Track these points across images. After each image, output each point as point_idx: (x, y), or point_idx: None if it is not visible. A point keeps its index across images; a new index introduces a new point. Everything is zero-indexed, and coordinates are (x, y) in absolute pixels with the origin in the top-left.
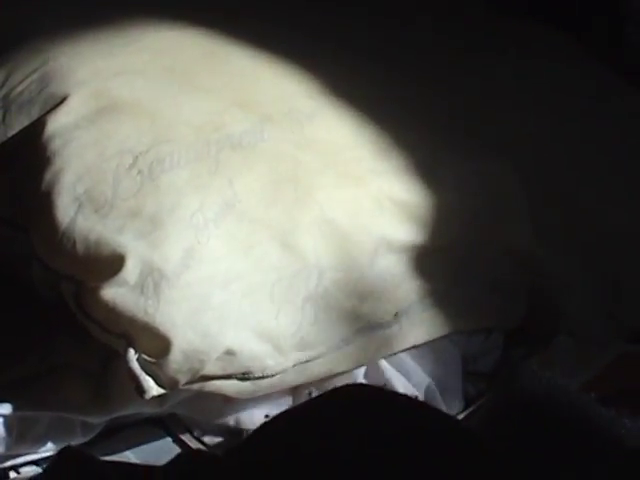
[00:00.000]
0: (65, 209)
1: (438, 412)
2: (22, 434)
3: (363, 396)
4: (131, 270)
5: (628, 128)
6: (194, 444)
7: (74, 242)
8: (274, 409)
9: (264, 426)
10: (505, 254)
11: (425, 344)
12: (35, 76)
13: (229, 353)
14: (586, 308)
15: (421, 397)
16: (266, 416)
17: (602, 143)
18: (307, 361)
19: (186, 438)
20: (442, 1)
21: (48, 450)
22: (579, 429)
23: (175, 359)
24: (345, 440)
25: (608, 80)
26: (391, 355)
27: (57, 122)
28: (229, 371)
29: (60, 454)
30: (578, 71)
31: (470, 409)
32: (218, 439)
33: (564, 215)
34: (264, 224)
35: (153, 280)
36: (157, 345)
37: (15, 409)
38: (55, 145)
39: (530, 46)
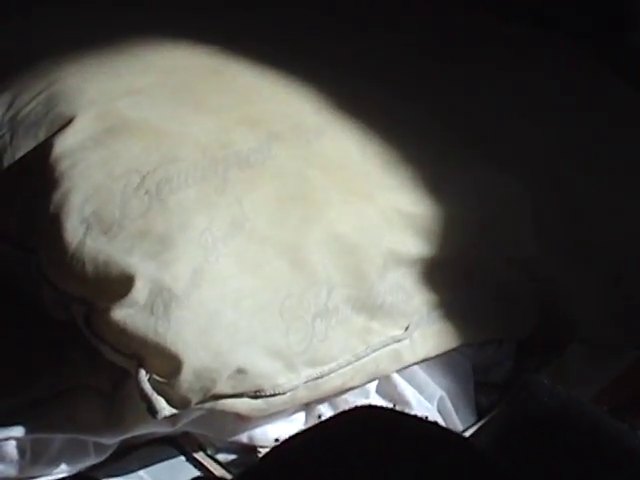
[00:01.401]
0: (74, 230)
1: (449, 434)
2: (35, 456)
3: (371, 420)
4: (141, 290)
5: (630, 130)
6: (207, 462)
7: (83, 263)
8: (286, 426)
9: (273, 451)
10: (512, 263)
11: (436, 356)
12: (42, 97)
13: (240, 372)
14: (597, 315)
15: (434, 409)
16: (276, 440)
17: (606, 148)
18: (318, 377)
19: (199, 456)
20: (442, 15)
21: (62, 472)
22: (592, 442)
23: (186, 379)
24: (355, 464)
25: (609, 82)
26: (403, 369)
27: (64, 143)
28: (240, 390)
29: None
30: (578, 75)
31: (482, 421)
32: (232, 456)
33: (570, 223)
34: (273, 242)
35: (163, 300)
36: (168, 365)
37: (28, 431)
38: (63, 166)
39: (529, 52)
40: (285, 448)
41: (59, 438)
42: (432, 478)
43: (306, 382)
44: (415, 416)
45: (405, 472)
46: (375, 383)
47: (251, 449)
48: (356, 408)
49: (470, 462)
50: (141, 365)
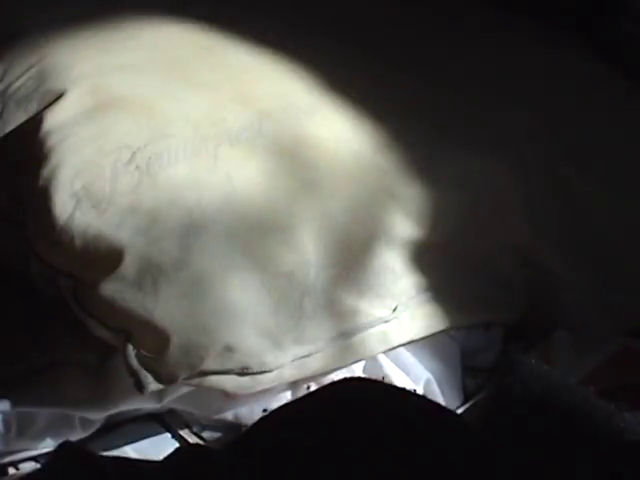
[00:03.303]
0: (63, 205)
1: (437, 405)
2: (21, 430)
3: (361, 390)
4: (129, 266)
5: (627, 123)
6: (193, 439)
7: (72, 238)
8: (273, 404)
9: (262, 421)
10: (503, 249)
11: (424, 339)
12: (32, 72)
13: (228, 348)
14: (585, 302)
15: (420, 391)
16: (264, 410)
17: (600, 138)
18: (306, 356)
19: (185, 433)
20: (439, 3)
21: (47, 446)
22: (578, 423)
23: (174, 354)
24: (342, 435)
25: (606, 76)
26: (390, 350)
27: (55, 118)
28: (228, 366)
29: (58, 450)
30: (576, 67)
31: (469, 404)
32: (217, 434)
33: (562, 209)
34: (262, 220)
35: (151, 276)
36: (156, 340)
37: (13, 405)
38: (53, 141)
39: (527, 42)
40: (272, 418)
41: (45, 413)
42: (424, 447)
43: (293, 360)
44: (404, 388)
45: (395, 442)
46: (362, 364)
47: (237, 427)
48: (345, 379)
49: (461, 431)
50: (129, 340)
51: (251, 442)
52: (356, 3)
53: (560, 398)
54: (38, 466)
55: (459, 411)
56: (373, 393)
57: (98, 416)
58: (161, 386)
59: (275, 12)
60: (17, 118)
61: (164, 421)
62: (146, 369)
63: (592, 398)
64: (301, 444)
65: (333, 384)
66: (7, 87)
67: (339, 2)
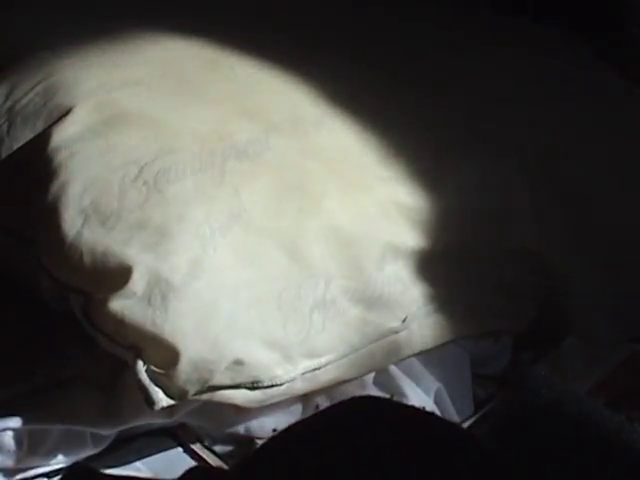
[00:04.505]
0: (72, 221)
1: (446, 424)
2: (33, 447)
3: (369, 409)
4: (138, 282)
5: (632, 125)
6: (205, 453)
7: (81, 254)
8: (284, 417)
9: (271, 441)
10: (510, 256)
11: (434, 348)
12: (39, 88)
13: (238, 363)
14: (594, 309)
15: (431, 401)
16: (274, 430)
17: (607, 140)
18: (316, 369)
19: (197, 448)
20: (440, 5)
21: (59, 462)
22: (589, 435)
23: (184, 369)
24: (352, 455)
25: (609, 78)
26: (400, 360)
27: (62, 134)
28: (238, 380)
29: (70, 471)
30: (578, 70)
31: (479, 413)
32: (229, 448)
33: (570, 215)
34: (271, 233)
35: (160, 291)
36: (166, 356)
37: (25, 422)
38: (61, 157)
39: (528, 45)
40: (282, 437)
41: (56, 429)
42: (432, 467)
43: (303, 373)
44: (413, 406)
45: (404, 461)
46: (372, 375)
47: (248, 440)
48: (353, 398)
49: (470, 452)
50: (139, 356)
51: (262, 463)
52: (361, 16)
53: (570, 409)
54: None
55: (470, 421)
56: (381, 412)
57: (109, 432)
58: (172, 402)
59: (281, 26)
60: (25, 135)
61: (176, 435)
62: (156, 385)
63: (602, 409)
64: (312, 463)
65: (341, 404)
66: (14, 104)
67: (344, 16)
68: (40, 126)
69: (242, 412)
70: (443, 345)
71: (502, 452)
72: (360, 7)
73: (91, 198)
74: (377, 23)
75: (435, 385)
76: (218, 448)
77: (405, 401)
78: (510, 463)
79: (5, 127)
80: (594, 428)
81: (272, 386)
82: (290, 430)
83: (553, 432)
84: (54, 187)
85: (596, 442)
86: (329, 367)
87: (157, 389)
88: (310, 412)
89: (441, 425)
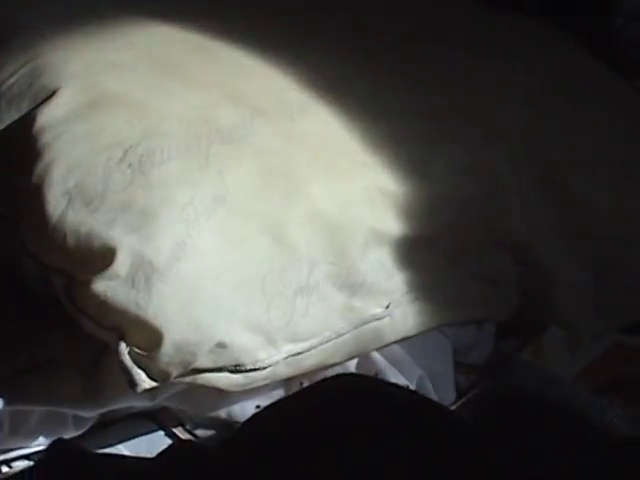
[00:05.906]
0: (55, 202)
1: (430, 401)
2: (14, 428)
3: (354, 385)
4: (122, 263)
5: (622, 116)
6: (186, 437)
7: (65, 235)
8: (266, 401)
9: (254, 417)
10: (495, 245)
11: (417, 335)
12: (25, 70)
13: (221, 346)
14: (578, 300)
15: (413, 388)
16: (257, 407)
17: (596, 130)
18: (299, 353)
19: (178, 431)
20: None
21: (40, 444)
22: (570, 419)
23: (167, 352)
24: (335, 430)
25: (604, 75)
26: (383, 347)
27: (47, 115)
28: (220, 364)
29: (51, 447)
30: (570, 60)
31: (462, 400)
32: (210, 432)
33: (556, 205)
34: (255, 217)
35: (144, 273)
36: (148, 338)
37: (6, 403)
38: (45, 138)
39: (519, 35)
40: (266, 414)
41: (38, 411)
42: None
43: (286, 358)
44: (396, 384)
45: (388, 435)
46: (355, 361)
47: (230, 424)
48: (338, 375)
49: (455, 427)
50: (121, 338)
51: (245, 438)
52: (348, 3)
53: (553, 395)
54: (31, 464)
55: (452, 408)
56: (366, 389)
57: (91, 414)
58: (154, 384)
59: (267, 12)
60: (9, 116)
61: (157, 419)
62: (139, 367)
63: (585, 394)
64: (295, 440)
65: (326, 380)
66: None
67: (332, 3)
68: (25, 107)
69: (224, 395)
70: (426, 332)
71: (484, 434)
72: None
73: (75, 180)
74: (365, 10)
75: (417, 372)
76: (199, 432)
77: None
78: (491, 444)
79: None
80: (576, 412)
81: (255, 370)
82: (273, 406)
83: (535, 416)
84: (38, 168)
85: (578, 426)
86: (312, 352)
87: (140, 371)
88: None
89: (425, 401)
